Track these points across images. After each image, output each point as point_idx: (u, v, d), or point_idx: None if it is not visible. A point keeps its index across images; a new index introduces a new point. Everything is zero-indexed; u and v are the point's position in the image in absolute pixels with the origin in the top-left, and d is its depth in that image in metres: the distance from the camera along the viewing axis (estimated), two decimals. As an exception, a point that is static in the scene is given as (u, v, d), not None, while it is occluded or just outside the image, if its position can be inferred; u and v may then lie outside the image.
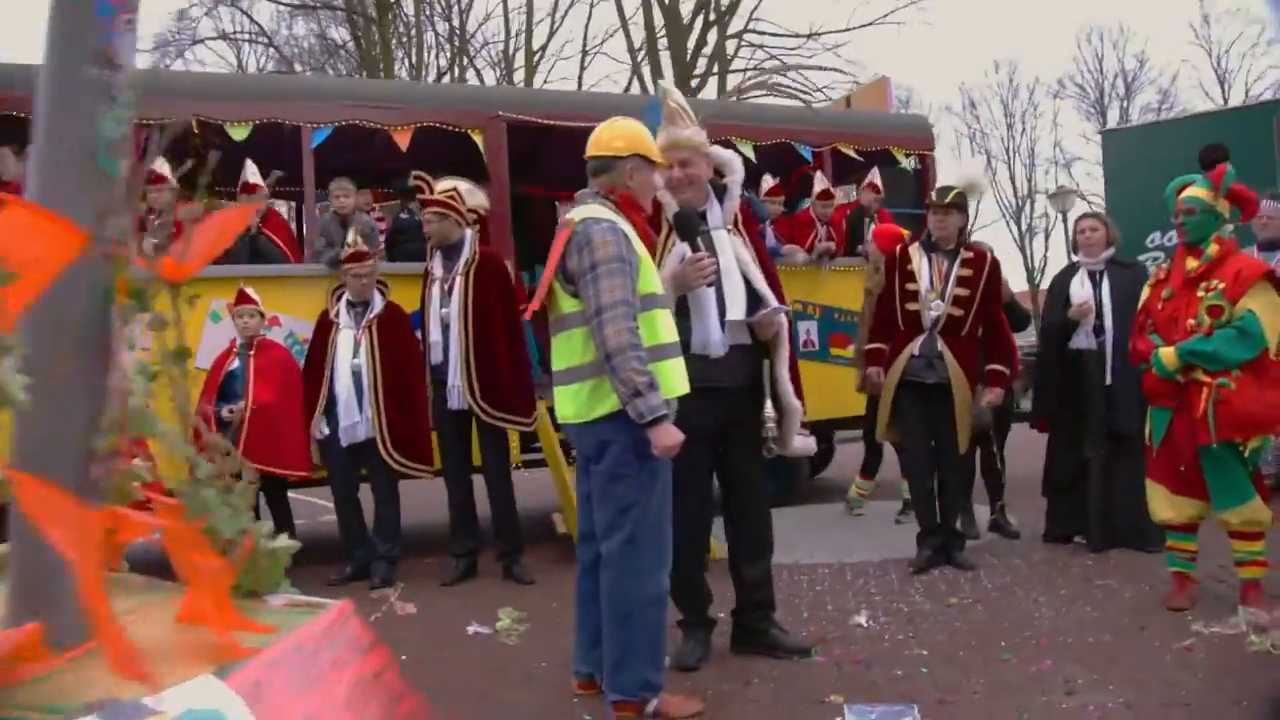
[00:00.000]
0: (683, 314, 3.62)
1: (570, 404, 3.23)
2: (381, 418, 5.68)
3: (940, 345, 5.31)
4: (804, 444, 3.90)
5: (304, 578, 5.83)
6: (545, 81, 20.86)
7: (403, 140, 6.60)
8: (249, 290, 5.91)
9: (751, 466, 3.88)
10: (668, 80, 18.37)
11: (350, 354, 5.80)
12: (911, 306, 5.36)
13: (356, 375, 5.76)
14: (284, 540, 1.75)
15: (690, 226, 3.64)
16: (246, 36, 19.70)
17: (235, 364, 5.89)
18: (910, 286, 5.37)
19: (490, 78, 21.41)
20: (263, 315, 5.97)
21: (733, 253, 3.73)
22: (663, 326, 3.21)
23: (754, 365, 3.77)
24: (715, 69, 19.53)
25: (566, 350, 3.25)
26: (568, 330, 3.24)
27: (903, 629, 4.33)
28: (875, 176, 7.76)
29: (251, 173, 6.41)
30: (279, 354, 5.98)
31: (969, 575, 5.25)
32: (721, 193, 3.84)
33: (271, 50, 20.26)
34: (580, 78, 21.69)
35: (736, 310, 3.69)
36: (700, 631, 4.01)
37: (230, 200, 6.86)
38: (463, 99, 6.92)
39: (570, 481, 5.47)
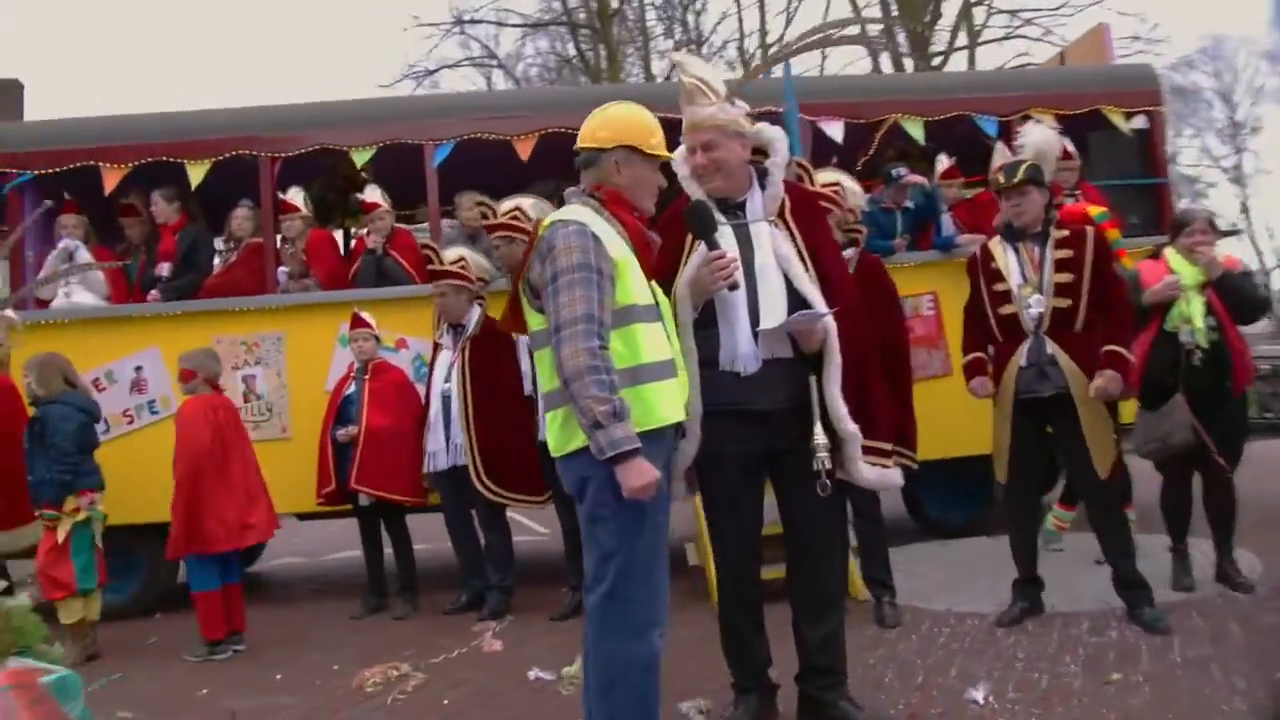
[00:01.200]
0: (710, 323, 3.18)
1: (550, 434, 2.88)
2: (473, 444, 5.48)
3: (1050, 347, 4.42)
4: (879, 477, 3.31)
5: (426, 605, 6.00)
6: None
7: (524, 150, 6.39)
8: (363, 314, 5.94)
9: (806, 504, 3.26)
10: (908, 62, 17.22)
11: (444, 377, 5.68)
12: (1006, 310, 4.50)
13: (446, 400, 5.64)
14: (18, 600, 1.58)
15: (701, 220, 3.13)
16: (470, 61, 20.62)
17: (352, 388, 5.92)
18: (999, 287, 4.53)
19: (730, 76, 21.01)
20: (378, 339, 5.97)
21: (771, 249, 3.21)
22: (647, 343, 2.79)
23: (799, 383, 3.19)
24: (961, 42, 17.99)
25: (544, 373, 2.92)
26: (540, 350, 2.90)
27: (1028, 711, 3.50)
28: (1068, 143, 6.60)
29: (371, 192, 6.45)
30: (395, 377, 5.97)
31: (1156, 642, 4.19)
32: (763, 177, 3.34)
33: (503, 72, 21.09)
34: (822, 67, 20.84)
35: (771, 317, 3.15)
36: (752, 697, 3.50)
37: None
38: (588, 101, 6.57)
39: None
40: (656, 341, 2.81)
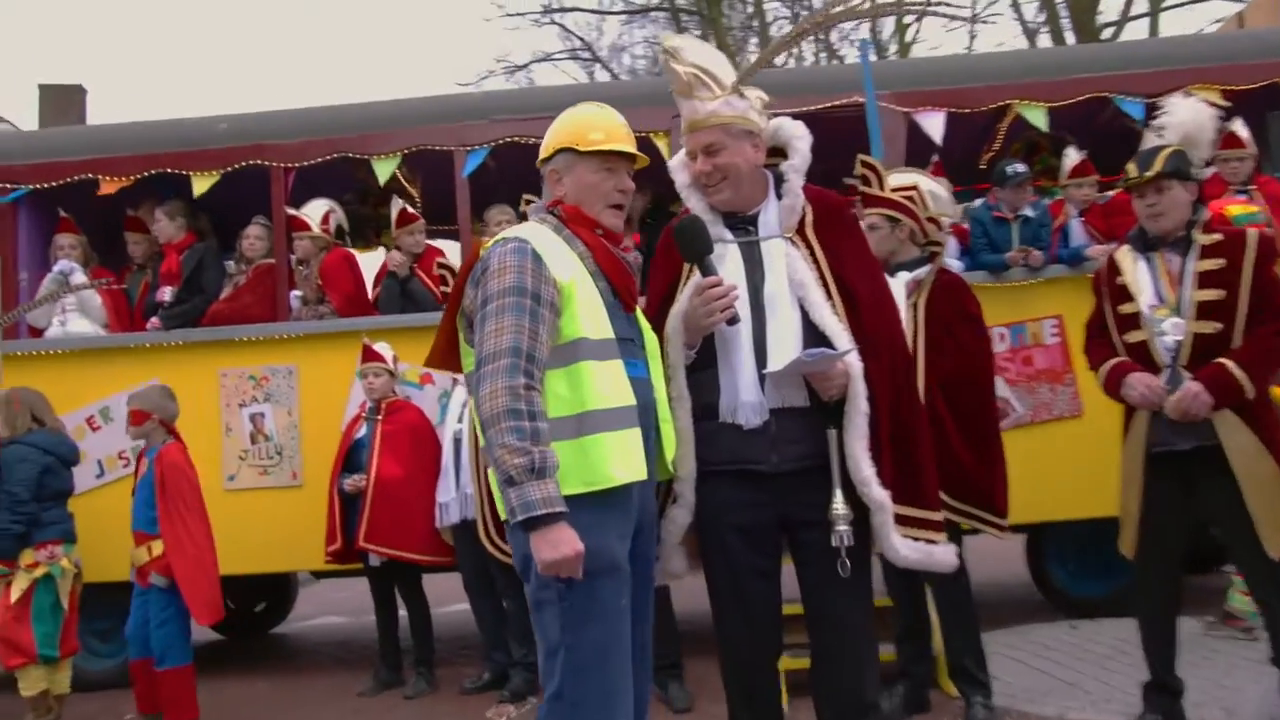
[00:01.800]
0: (710, 364, 2.68)
1: (497, 495, 2.44)
2: (482, 495, 4.80)
3: None
4: (921, 554, 2.65)
5: (447, 679, 5.27)
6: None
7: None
8: (375, 345, 5.28)
9: (826, 587, 2.65)
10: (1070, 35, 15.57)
11: (456, 416, 5.11)
12: (1134, 337, 3.61)
13: (457, 443, 5.06)
14: None
15: (691, 239, 2.65)
16: (567, 53, 19.92)
17: (362, 430, 5.26)
18: (1126, 309, 3.63)
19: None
20: (393, 374, 5.26)
21: (785, 272, 2.67)
22: (599, 385, 2.41)
23: (816, 437, 2.62)
24: (1139, 9, 16.07)
25: None
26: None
27: None
28: (1240, 127, 5.36)
29: (394, 205, 5.91)
30: (410, 418, 5.31)
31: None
32: (780, 184, 2.80)
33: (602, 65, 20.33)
34: (970, 48, 19.30)
35: (780, 357, 2.59)
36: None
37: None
38: (637, 97, 5.69)
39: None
40: (611, 383, 2.43)
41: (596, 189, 2.56)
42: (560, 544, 2.23)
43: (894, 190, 4.11)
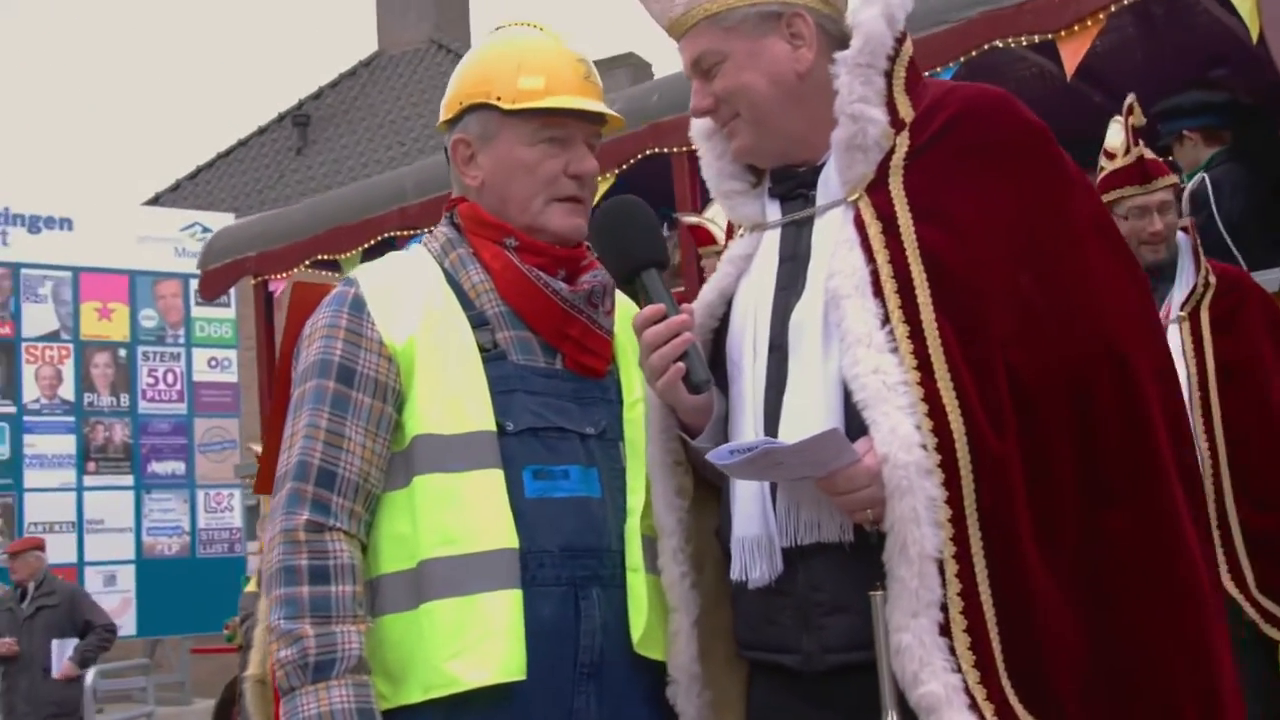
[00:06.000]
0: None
1: None
2: None
3: None
4: None
5: None
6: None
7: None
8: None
9: None
10: None
11: None
12: None
13: None
14: None
15: (612, 241, 1.66)
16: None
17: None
18: None
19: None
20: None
21: (824, 280, 1.52)
22: (449, 514, 1.55)
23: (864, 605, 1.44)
24: None
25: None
26: None
27: None
28: None
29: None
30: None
31: None
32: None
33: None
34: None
35: (796, 428, 1.47)
36: None
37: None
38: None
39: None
40: (465, 512, 1.54)
41: (532, 172, 1.65)
42: None
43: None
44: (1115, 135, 3.19)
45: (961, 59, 3.77)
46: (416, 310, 1.59)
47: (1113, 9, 3.38)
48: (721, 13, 1.53)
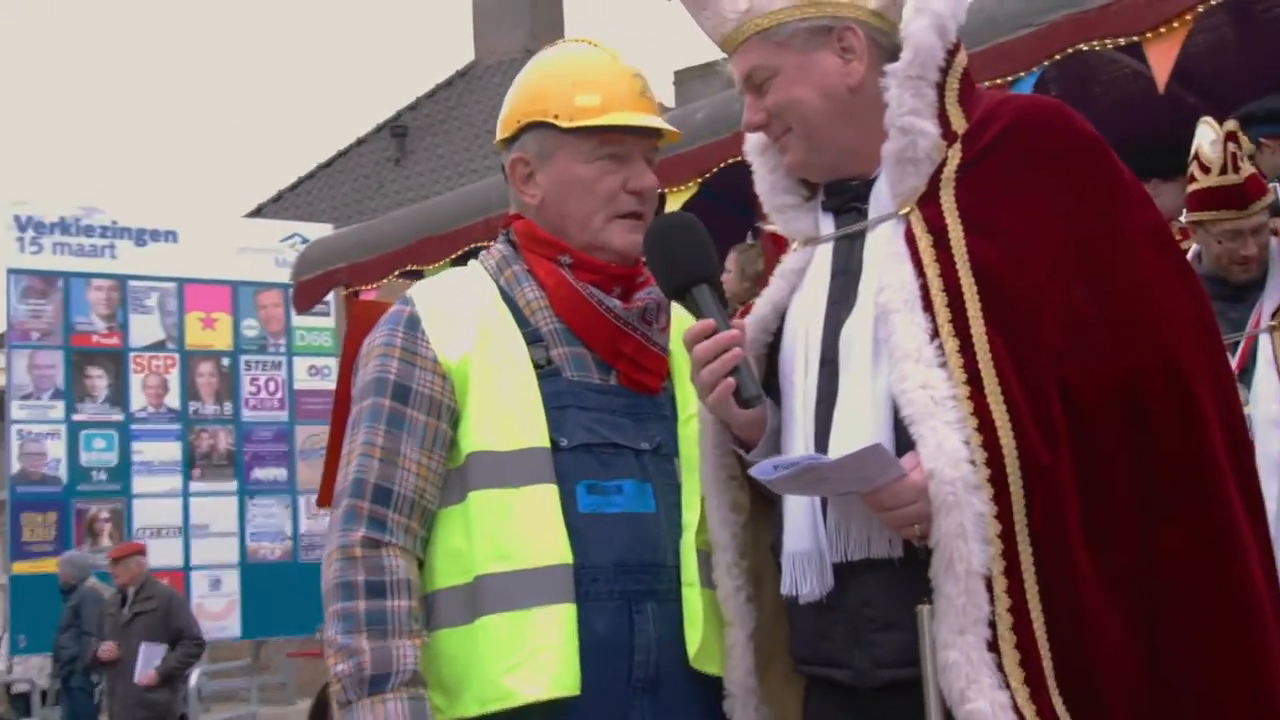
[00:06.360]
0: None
1: None
2: None
3: None
4: None
5: None
6: None
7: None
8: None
9: None
10: None
11: None
12: None
13: None
14: None
15: (664, 257, 1.66)
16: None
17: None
18: None
19: None
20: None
21: (874, 294, 1.52)
22: (494, 532, 1.58)
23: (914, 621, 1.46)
24: None
25: None
26: None
27: None
28: None
29: None
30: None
31: None
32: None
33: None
34: None
35: (843, 443, 1.47)
36: None
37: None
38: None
39: None
40: (518, 528, 1.57)
41: (591, 189, 1.67)
42: None
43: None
44: (1211, 148, 3.09)
45: (1045, 63, 3.69)
46: (471, 327, 1.63)
47: (1200, 9, 3.28)
48: (772, 28, 1.55)
